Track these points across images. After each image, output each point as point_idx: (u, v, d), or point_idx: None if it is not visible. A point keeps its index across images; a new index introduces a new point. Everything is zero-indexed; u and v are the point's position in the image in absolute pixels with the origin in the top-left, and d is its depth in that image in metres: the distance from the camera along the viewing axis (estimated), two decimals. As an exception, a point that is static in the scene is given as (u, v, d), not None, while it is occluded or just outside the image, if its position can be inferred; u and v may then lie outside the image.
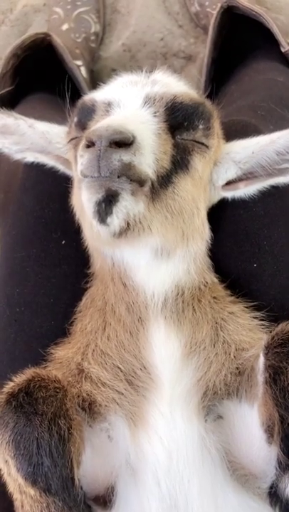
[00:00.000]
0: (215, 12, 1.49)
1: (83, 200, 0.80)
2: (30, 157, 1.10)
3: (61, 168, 1.09)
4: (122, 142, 0.74)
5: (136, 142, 0.76)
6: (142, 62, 1.98)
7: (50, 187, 1.10)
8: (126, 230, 0.80)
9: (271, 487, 0.82)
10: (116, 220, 0.78)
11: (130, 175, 0.76)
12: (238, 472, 0.85)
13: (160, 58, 1.99)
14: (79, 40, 1.87)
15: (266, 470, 0.81)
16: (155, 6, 1.99)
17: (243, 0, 1.41)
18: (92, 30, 1.92)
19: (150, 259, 0.90)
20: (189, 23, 1.98)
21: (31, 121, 1.05)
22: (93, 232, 0.86)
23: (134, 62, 1.99)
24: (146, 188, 0.80)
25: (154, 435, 0.84)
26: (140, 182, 0.79)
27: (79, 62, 1.79)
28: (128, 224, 0.80)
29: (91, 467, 0.85)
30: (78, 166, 0.77)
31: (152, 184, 0.81)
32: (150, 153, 0.80)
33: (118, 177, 0.75)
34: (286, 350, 0.76)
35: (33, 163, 1.11)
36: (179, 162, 0.87)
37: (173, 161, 0.86)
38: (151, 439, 0.84)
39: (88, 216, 0.81)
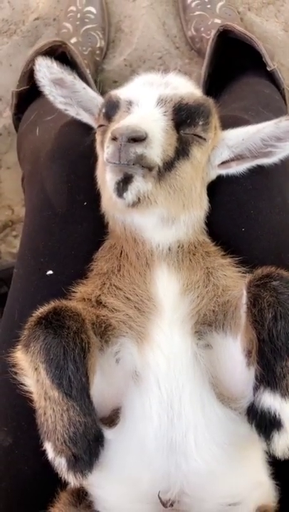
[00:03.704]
0: (211, 35, 1.67)
1: (106, 179, 1.01)
2: (72, 112, 1.30)
3: (95, 127, 1.25)
4: (138, 138, 0.94)
5: (148, 138, 0.95)
6: (141, 77, 2.16)
7: (76, 157, 1.29)
8: (137, 203, 1.01)
9: (249, 406, 0.94)
10: (130, 196, 0.99)
11: (142, 163, 0.97)
12: (221, 394, 1.01)
13: (158, 75, 2.18)
14: (85, 52, 2.01)
15: (245, 391, 0.95)
16: (155, 28, 2.16)
17: (237, 25, 1.64)
18: (98, 45, 2.07)
19: (157, 224, 1.09)
20: (185, 45, 2.15)
21: (84, 84, 1.25)
22: (111, 202, 1.07)
23: (134, 76, 2.16)
24: (154, 172, 1.00)
25: (156, 348, 1.02)
26: (150, 168, 0.99)
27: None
28: (139, 198, 1.00)
29: (99, 390, 0.98)
30: (104, 154, 0.98)
31: (159, 169, 1.01)
32: (158, 146, 0.99)
33: (133, 164, 0.95)
34: (264, 282, 0.93)
35: (62, 136, 1.30)
36: (181, 151, 1.07)
37: (176, 151, 1.05)
38: (154, 350, 1.02)
39: (109, 190, 1.01)
